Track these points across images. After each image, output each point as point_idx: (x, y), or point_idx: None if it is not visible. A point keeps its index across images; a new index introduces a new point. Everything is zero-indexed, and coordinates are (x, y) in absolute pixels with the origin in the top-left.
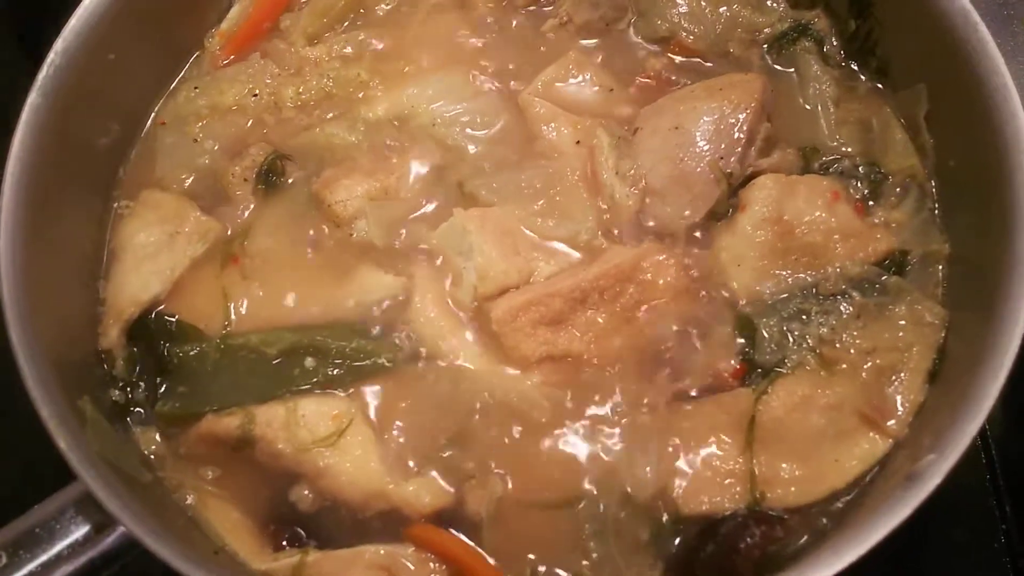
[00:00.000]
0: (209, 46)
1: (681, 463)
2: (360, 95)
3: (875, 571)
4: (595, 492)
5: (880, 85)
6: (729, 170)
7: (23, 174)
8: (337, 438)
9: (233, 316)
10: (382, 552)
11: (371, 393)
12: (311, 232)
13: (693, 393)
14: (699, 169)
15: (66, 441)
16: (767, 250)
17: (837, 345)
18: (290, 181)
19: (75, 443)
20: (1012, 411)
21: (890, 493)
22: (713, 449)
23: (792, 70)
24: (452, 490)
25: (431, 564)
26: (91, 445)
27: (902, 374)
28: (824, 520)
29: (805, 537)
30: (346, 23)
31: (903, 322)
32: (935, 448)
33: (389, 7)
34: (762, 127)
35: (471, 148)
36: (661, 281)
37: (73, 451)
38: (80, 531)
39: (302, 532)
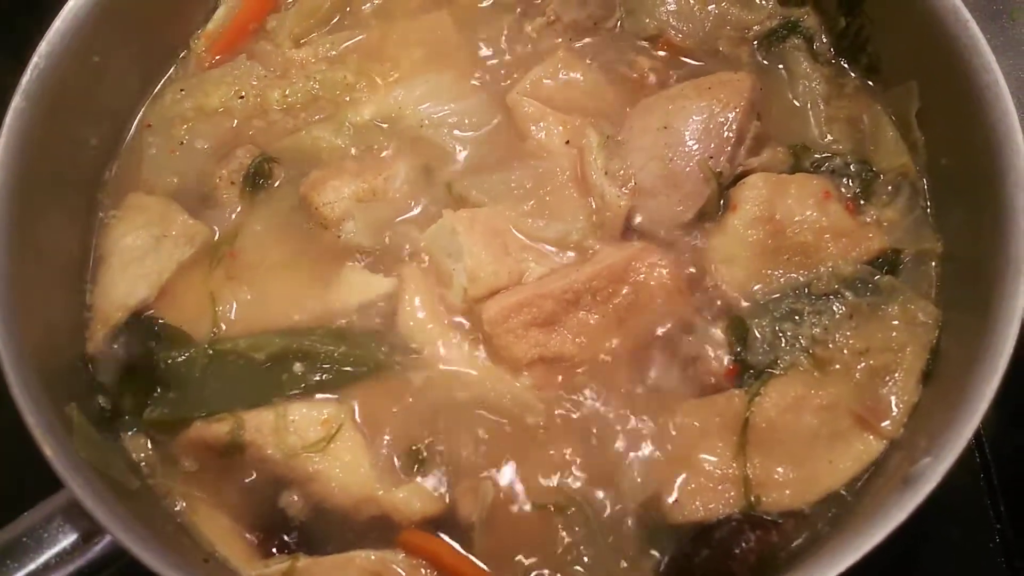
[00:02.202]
0: (195, 47)
1: (674, 467)
2: (347, 98)
3: (869, 571)
4: (587, 496)
5: (870, 82)
6: (719, 169)
7: (8, 178)
8: (327, 443)
9: (221, 321)
10: (373, 558)
11: (361, 398)
12: (299, 235)
13: (685, 396)
14: (689, 168)
15: (52, 448)
16: (758, 250)
17: (830, 345)
18: (277, 184)
19: (61, 450)
20: (1005, 410)
21: (887, 496)
22: (706, 452)
23: (781, 67)
24: (443, 495)
25: (422, 570)
26: (78, 452)
27: (896, 374)
28: (820, 523)
29: (801, 540)
30: (332, 23)
31: (896, 322)
32: (931, 450)
33: (375, 6)
34: (752, 125)
35: (459, 149)
36: (653, 282)
37: (59, 458)
38: (68, 540)
39: (292, 538)
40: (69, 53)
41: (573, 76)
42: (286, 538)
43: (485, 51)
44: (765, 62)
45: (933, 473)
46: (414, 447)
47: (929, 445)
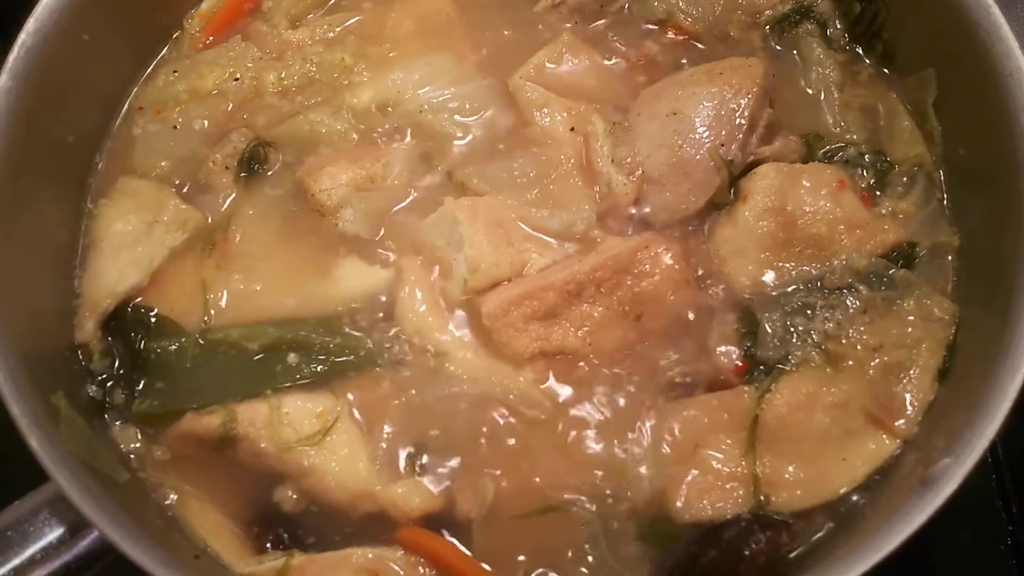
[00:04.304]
0: (188, 27)
1: (681, 465)
2: (344, 81)
3: (879, 573)
4: (591, 494)
5: (886, 70)
6: (730, 157)
7: None
8: (322, 437)
9: (213, 309)
10: (370, 555)
11: (358, 390)
12: (294, 222)
13: (693, 391)
14: (698, 156)
15: (38, 439)
16: (769, 241)
17: (843, 341)
18: (272, 169)
19: (48, 441)
20: (1019, 410)
21: (904, 499)
22: (714, 450)
23: (795, 53)
24: (442, 492)
25: (420, 568)
26: (65, 443)
27: (911, 372)
28: (832, 525)
29: (812, 542)
30: (330, 3)
31: (911, 317)
32: (950, 451)
33: None
34: (764, 113)
35: (460, 135)
36: (659, 273)
37: (45, 450)
38: (54, 533)
39: (287, 534)
40: (58, 31)
41: (578, 61)
42: (281, 533)
43: (487, 34)
44: (778, 48)
45: (953, 475)
46: (413, 442)
47: (947, 446)
